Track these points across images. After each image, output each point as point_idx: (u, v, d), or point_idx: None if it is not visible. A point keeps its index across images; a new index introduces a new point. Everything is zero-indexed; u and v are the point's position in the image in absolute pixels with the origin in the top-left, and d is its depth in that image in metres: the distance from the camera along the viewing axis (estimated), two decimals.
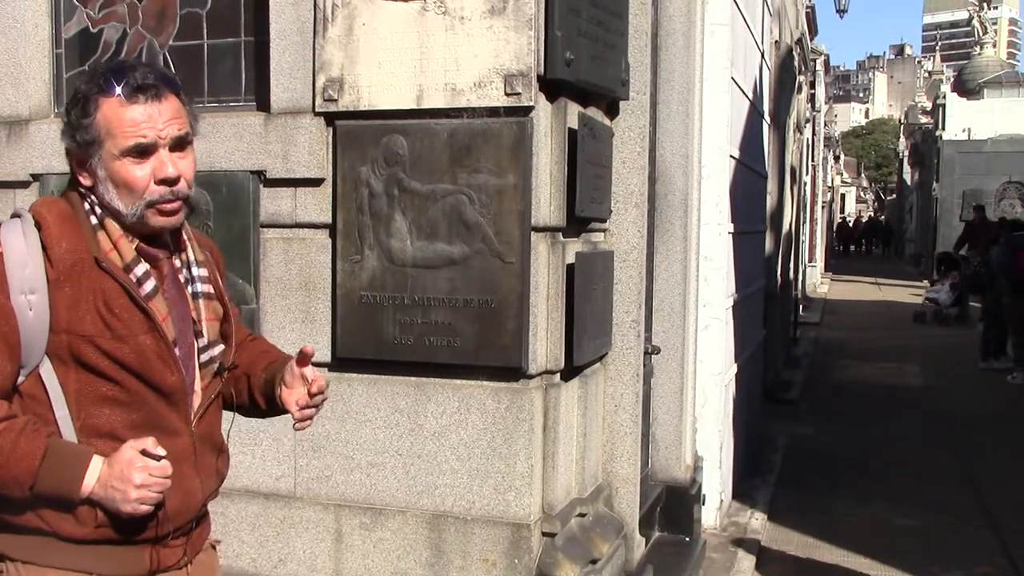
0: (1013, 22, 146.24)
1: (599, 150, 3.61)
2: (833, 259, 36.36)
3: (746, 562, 5.10)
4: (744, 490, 6.32)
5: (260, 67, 3.66)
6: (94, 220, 1.81)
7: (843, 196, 54.13)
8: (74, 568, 1.78)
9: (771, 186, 8.99)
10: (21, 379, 1.77)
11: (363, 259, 3.38)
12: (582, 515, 3.58)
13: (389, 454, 3.44)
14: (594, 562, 3.48)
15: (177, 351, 1.84)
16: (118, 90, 1.75)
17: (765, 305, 8.58)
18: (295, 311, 3.55)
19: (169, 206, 1.81)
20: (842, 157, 50.96)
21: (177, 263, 1.91)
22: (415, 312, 3.33)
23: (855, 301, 21.09)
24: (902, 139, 46.16)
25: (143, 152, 1.77)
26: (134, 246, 1.82)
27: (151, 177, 1.78)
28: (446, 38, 3.25)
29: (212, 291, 1.95)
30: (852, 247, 47.16)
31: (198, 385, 1.91)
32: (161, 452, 1.71)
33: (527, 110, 3.20)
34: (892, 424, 8.78)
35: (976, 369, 11.89)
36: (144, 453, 1.70)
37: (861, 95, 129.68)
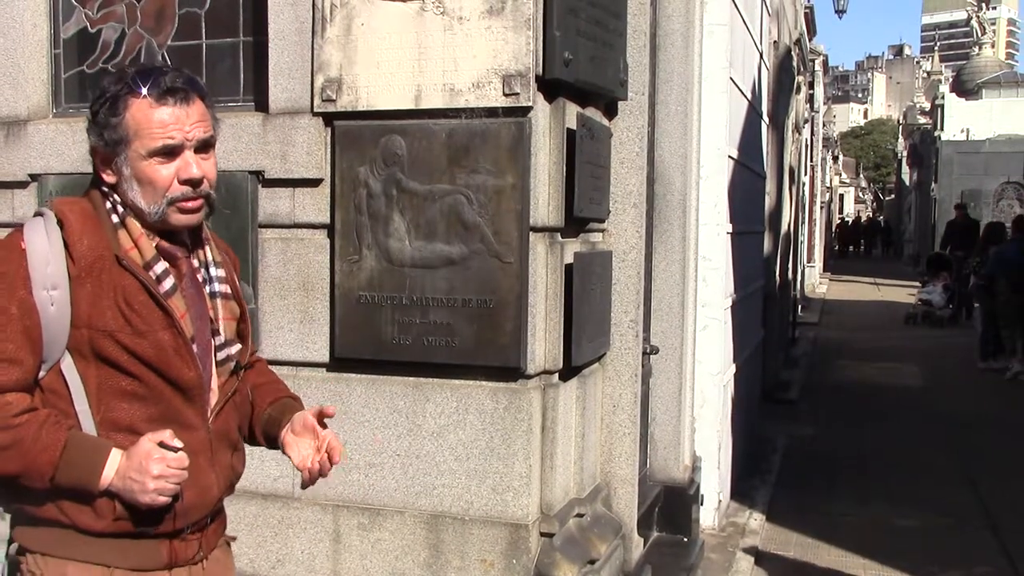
0: (1012, 22, 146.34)
1: (597, 150, 3.61)
2: (832, 259, 36.37)
3: (744, 562, 5.10)
4: (743, 490, 6.32)
5: (258, 67, 3.66)
6: (115, 219, 1.85)
7: (842, 196, 54.13)
8: (93, 561, 1.82)
9: (770, 186, 9.00)
10: (42, 374, 1.81)
11: (361, 259, 3.38)
12: (580, 515, 3.58)
13: (387, 454, 3.44)
14: (592, 562, 3.48)
15: (195, 348, 1.88)
16: (148, 92, 1.80)
17: (764, 305, 8.58)
18: (293, 311, 3.55)
19: (190, 204, 1.85)
20: (841, 157, 50.96)
21: (195, 263, 1.95)
22: (413, 312, 3.33)
23: (854, 301, 21.09)
24: (901, 139, 46.20)
25: (170, 153, 1.82)
26: (154, 244, 1.86)
27: (175, 177, 1.83)
28: (444, 38, 3.24)
29: (229, 291, 1.99)
30: (851, 247, 47.01)
31: (215, 383, 1.94)
32: (178, 444, 1.75)
33: (525, 110, 3.20)
34: (891, 424, 8.78)
35: (975, 369, 11.89)
36: (162, 445, 1.74)
37: (860, 95, 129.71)
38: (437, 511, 3.39)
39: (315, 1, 3.40)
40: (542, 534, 3.36)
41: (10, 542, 1.89)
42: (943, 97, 28.44)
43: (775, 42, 8.98)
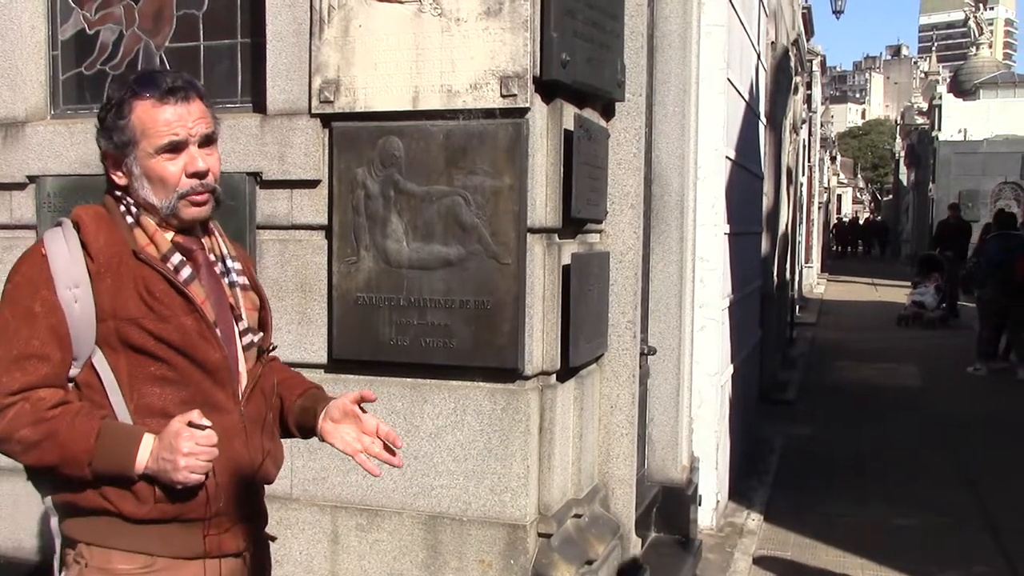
0: (1009, 23, 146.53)
1: (595, 151, 3.62)
2: (830, 260, 36.39)
3: (742, 563, 5.10)
4: (740, 491, 6.33)
5: (256, 69, 3.66)
6: (130, 219, 1.95)
7: (839, 197, 54.14)
8: (136, 550, 1.90)
9: (767, 187, 9.00)
10: (77, 371, 1.90)
11: (359, 260, 3.38)
12: (578, 516, 3.58)
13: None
14: (590, 563, 3.48)
15: (218, 331, 1.96)
16: (150, 94, 1.90)
17: (761, 306, 8.59)
18: (291, 312, 3.55)
19: (199, 197, 1.95)
20: (838, 158, 50.96)
21: (211, 256, 2.04)
22: (411, 313, 3.33)
23: (851, 302, 21.11)
24: (898, 140, 46.25)
25: (175, 149, 1.91)
26: (169, 238, 1.96)
27: (183, 172, 1.92)
28: (442, 40, 3.25)
29: (247, 282, 2.09)
30: (849, 248, 46.90)
31: (243, 367, 2.03)
32: (206, 423, 1.82)
33: (523, 111, 3.21)
34: (889, 424, 8.79)
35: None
36: (190, 424, 1.82)
37: (857, 96, 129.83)
38: (435, 512, 3.40)
39: (313, 3, 3.40)
40: (540, 535, 3.36)
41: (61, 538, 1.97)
42: (941, 97, 28.48)
43: (773, 43, 8.99)
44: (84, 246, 1.89)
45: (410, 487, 3.42)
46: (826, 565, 5.18)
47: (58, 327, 1.86)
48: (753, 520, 5.83)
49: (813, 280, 24.21)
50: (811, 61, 16.66)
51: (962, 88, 30.58)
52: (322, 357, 3.49)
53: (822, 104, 26.81)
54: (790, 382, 10.60)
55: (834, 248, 44.51)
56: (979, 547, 5.48)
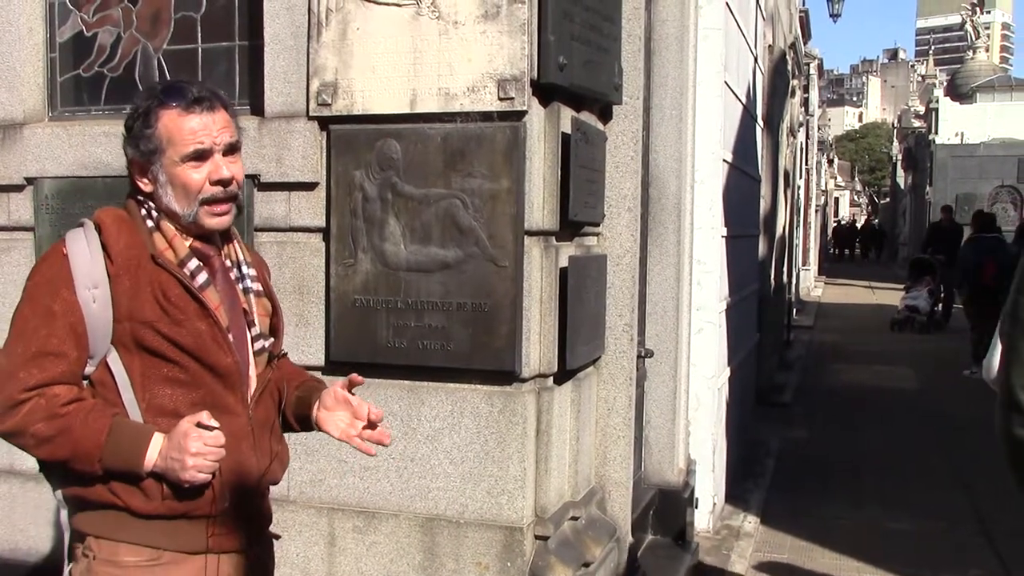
0: (1006, 26, 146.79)
1: (592, 154, 3.62)
2: (827, 263, 36.42)
3: (739, 565, 5.11)
4: (737, 493, 6.33)
5: (254, 71, 3.67)
6: (150, 223, 2.01)
7: (837, 200, 54.18)
8: (143, 543, 1.95)
9: (764, 190, 9.02)
10: (91, 369, 1.96)
11: (357, 263, 3.39)
12: (575, 518, 3.59)
13: (382, 457, 3.44)
14: (587, 565, 3.49)
15: (230, 337, 2.01)
16: (176, 103, 1.96)
17: (758, 309, 8.60)
18: (289, 314, 3.54)
19: (220, 207, 2.01)
20: (836, 161, 51.07)
21: (228, 262, 2.10)
22: (408, 315, 3.34)
23: (849, 305, 21.14)
24: (895, 143, 46.28)
25: (200, 157, 1.97)
26: (188, 244, 2.02)
27: (206, 179, 1.98)
28: (440, 43, 3.26)
29: (261, 289, 2.15)
30: (846, 251, 46.79)
31: (253, 371, 2.09)
32: (214, 424, 1.88)
33: (520, 114, 3.21)
34: (885, 427, 8.81)
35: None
36: (199, 425, 1.87)
37: (855, 99, 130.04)
38: (432, 514, 3.40)
39: (311, 6, 3.41)
40: (537, 537, 3.37)
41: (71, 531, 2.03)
42: (937, 101, 28.52)
43: (770, 46, 9.00)
44: (104, 248, 1.94)
45: (407, 489, 3.43)
46: (822, 568, 5.19)
47: (76, 326, 1.91)
48: (750, 523, 5.84)
49: (810, 283, 24.24)
50: (808, 64, 16.68)
51: (959, 91, 30.63)
52: (319, 359, 3.49)
53: (819, 107, 26.87)
54: (787, 385, 10.62)
55: (832, 251, 44.51)
56: (974, 550, 5.49)
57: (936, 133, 27.34)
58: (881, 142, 70.22)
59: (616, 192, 3.92)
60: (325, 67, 3.39)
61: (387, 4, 3.30)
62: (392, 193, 3.33)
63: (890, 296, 21.80)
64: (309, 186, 3.49)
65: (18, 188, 3.94)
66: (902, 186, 40.35)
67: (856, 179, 70.11)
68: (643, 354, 4.56)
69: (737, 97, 6.25)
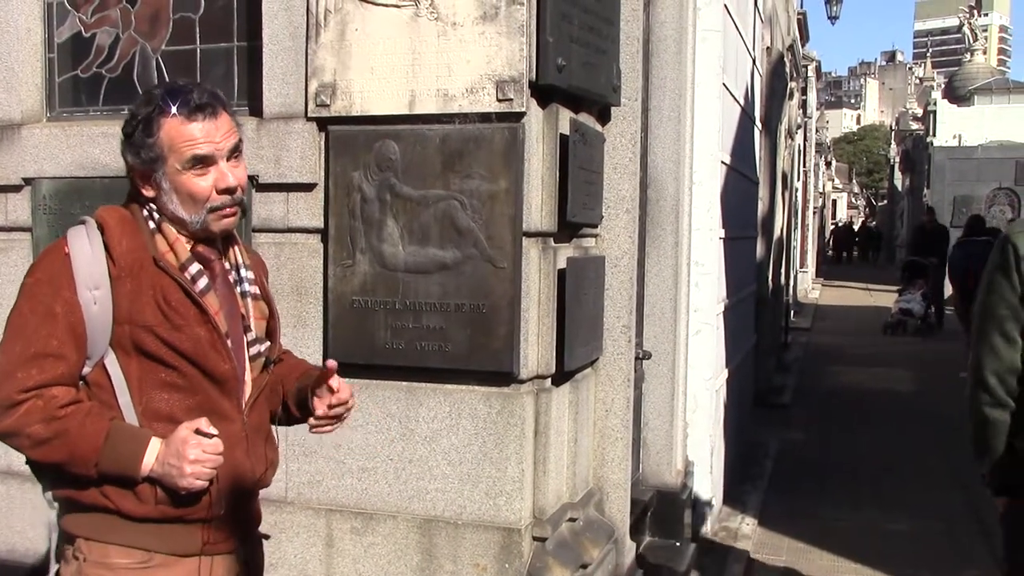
0: (1003, 29, 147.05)
1: (591, 156, 3.62)
2: (825, 265, 36.43)
3: (736, 567, 5.11)
4: (735, 495, 6.34)
5: (252, 72, 3.66)
6: (152, 225, 1.99)
7: (834, 202, 54.22)
8: (134, 545, 1.94)
9: (762, 192, 9.02)
10: (88, 369, 1.94)
11: (355, 264, 3.38)
12: (573, 520, 3.59)
13: (380, 459, 3.44)
14: (585, 567, 3.48)
15: (228, 343, 2.00)
16: (177, 110, 1.93)
17: (756, 310, 8.61)
18: (287, 315, 3.54)
19: (228, 210, 2.00)
20: (833, 163, 51.07)
21: (227, 265, 2.08)
22: (407, 317, 3.34)
23: (846, 307, 21.15)
24: (893, 145, 46.32)
25: (204, 164, 1.95)
26: (189, 248, 2.01)
27: (213, 187, 1.96)
28: (438, 44, 3.26)
29: (258, 292, 2.14)
30: (844, 253, 46.68)
31: (248, 376, 2.08)
32: (213, 431, 1.87)
33: (519, 116, 3.21)
34: (883, 429, 8.81)
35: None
36: (198, 432, 1.87)
37: (852, 101, 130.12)
38: (430, 515, 3.40)
39: (309, 6, 3.41)
40: (535, 538, 3.36)
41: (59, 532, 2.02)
42: (935, 103, 28.52)
43: (768, 48, 9.01)
44: (107, 248, 1.93)
45: (405, 490, 3.42)
46: (820, 570, 5.19)
47: (76, 327, 1.90)
48: (748, 524, 5.84)
49: (808, 285, 24.26)
50: (806, 66, 16.69)
51: (957, 94, 30.63)
52: (317, 360, 3.48)
53: (817, 109, 26.89)
54: (785, 386, 10.63)
55: (830, 253, 44.50)
56: (972, 550, 5.49)
57: (934, 135, 27.33)
58: (879, 144, 70.26)
59: (614, 193, 3.92)
60: (323, 68, 3.39)
61: (386, 5, 3.30)
62: (390, 194, 3.32)
63: (887, 298, 21.81)
64: (307, 187, 3.49)
65: (16, 188, 3.93)
66: (900, 188, 40.37)
67: (854, 181, 70.15)
68: (641, 356, 4.56)
69: (735, 99, 6.25)
